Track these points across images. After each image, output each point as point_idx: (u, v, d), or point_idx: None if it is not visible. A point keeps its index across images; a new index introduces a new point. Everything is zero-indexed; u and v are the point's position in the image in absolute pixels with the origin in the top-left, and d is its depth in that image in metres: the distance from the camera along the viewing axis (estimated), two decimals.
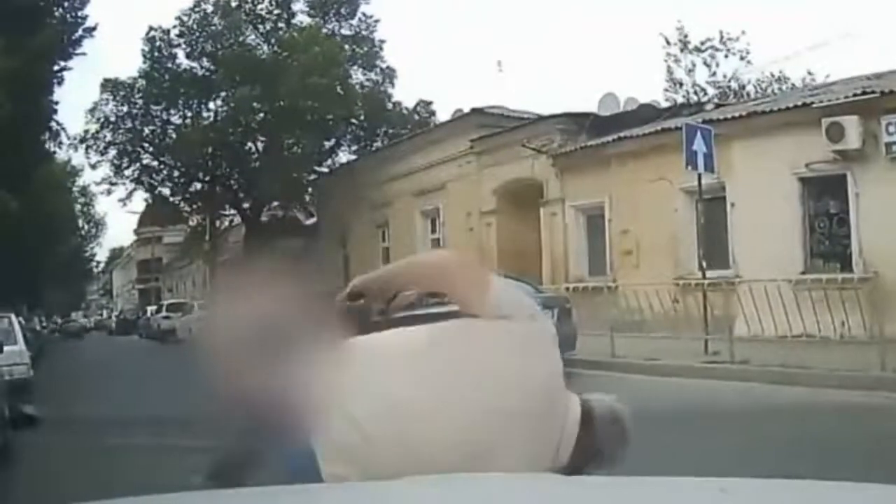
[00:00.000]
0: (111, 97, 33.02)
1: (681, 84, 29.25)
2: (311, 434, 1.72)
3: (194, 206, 37.28)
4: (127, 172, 34.71)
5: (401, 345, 1.81)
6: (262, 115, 31.44)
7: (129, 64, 75.60)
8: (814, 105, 14.23)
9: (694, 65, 29.00)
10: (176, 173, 35.12)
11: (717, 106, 20.95)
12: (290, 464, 1.77)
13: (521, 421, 1.72)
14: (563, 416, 1.81)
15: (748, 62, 28.45)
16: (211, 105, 33.29)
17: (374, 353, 1.80)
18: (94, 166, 35.03)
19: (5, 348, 9.57)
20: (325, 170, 33.63)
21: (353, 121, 32.93)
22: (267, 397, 1.70)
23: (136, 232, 58.69)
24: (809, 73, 27.12)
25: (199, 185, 35.46)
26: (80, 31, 22.13)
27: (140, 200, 38.26)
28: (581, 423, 1.83)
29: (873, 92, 13.58)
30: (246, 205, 34.66)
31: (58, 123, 25.30)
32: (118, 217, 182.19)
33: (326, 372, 1.75)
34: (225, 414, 1.83)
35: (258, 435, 1.84)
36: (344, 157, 34.14)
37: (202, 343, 1.87)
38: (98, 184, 37.03)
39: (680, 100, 26.91)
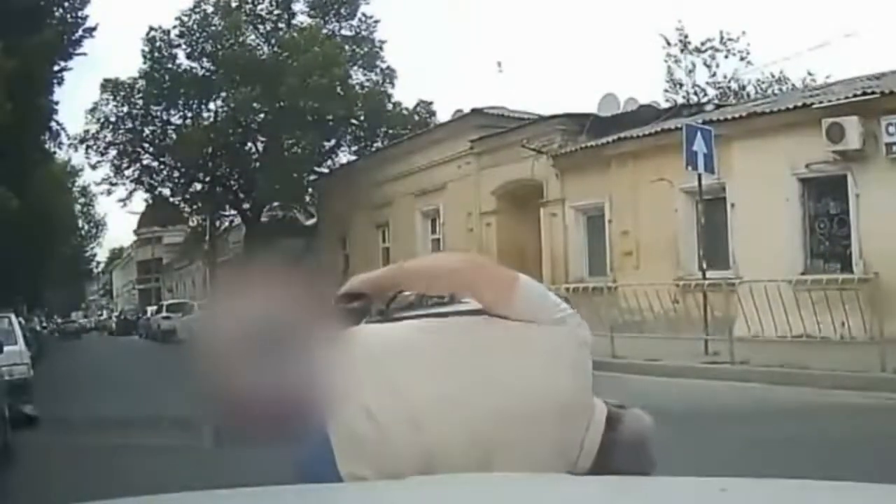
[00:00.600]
0: (111, 97, 33.04)
1: (681, 85, 29.21)
2: (326, 426, 1.71)
3: (194, 207, 37.29)
4: (127, 173, 34.82)
5: (413, 336, 1.78)
6: (262, 115, 31.45)
7: (129, 64, 75.82)
8: (814, 106, 14.22)
9: (694, 65, 28.95)
10: (176, 174, 35.14)
11: (718, 106, 20.95)
12: (304, 455, 1.76)
13: (537, 426, 1.69)
14: (584, 424, 1.76)
15: (748, 62, 28.40)
16: (211, 105, 33.33)
17: (386, 343, 1.78)
18: (94, 166, 35.13)
19: (5, 348, 9.57)
20: (325, 170, 33.64)
21: (353, 121, 32.93)
22: (270, 396, 1.69)
23: (136, 232, 58.71)
24: (810, 74, 27.06)
25: (199, 186, 35.47)
26: (80, 31, 22.17)
27: (140, 201, 38.33)
28: (605, 433, 1.78)
29: (873, 92, 13.58)
30: (246, 205, 34.67)
31: (58, 123, 25.38)
32: (118, 217, 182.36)
33: (335, 364, 1.74)
34: (224, 414, 1.83)
35: (263, 433, 1.84)
36: (344, 157, 34.21)
37: (202, 343, 1.87)
38: (98, 184, 37.15)
39: (680, 100, 26.85)
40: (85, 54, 22.81)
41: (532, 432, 1.68)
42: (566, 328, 1.79)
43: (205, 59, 32.54)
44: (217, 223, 37.73)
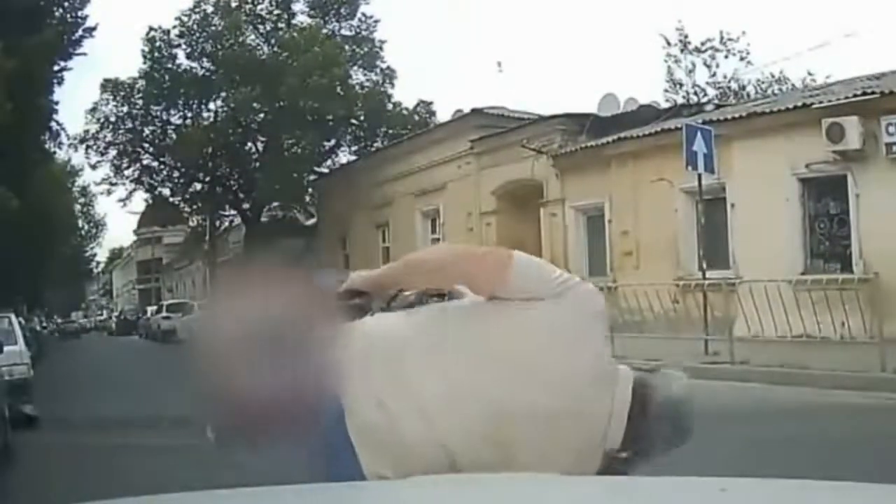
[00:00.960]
0: (111, 97, 33.08)
1: (681, 85, 29.21)
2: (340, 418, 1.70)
3: (194, 207, 37.31)
4: (127, 173, 34.88)
5: (416, 326, 1.75)
6: (262, 115, 31.47)
7: (129, 64, 75.88)
8: (814, 106, 14.23)
9: (694, 65, 28.95)
10: (176, 173, 35.17)
11: (718, 106, 20.95)
12: (323, 446, 1.75)
13: (552, 408, 1.64)
14: (607, 397, 1.70)
15: (748, 62, 28.40)
16: (211, 105, 33.38)
17: (390, 334, 1.75)
18: (94, 166, 35.19)
19: (5, 348, 9.55)
20: (325, 170, 33.65)
21: (353, 121, 32.95)
22: (270, 396, 1.68)
23: (136, 232, 58.73)
24: (809, 74, 27.04)
25: (199, 186, 35.51)
26: (80, 31, 22.18)
27: (140, 200, 38.41)
28: (635, 401, 1.71)
29: (873, 92, 13.58)
30: (246, 205, 34.68)
31: (58, 123, 25.37)
32: (118, 217, 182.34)
33: (341, 357, 1.73)
34: (224, 415, 1.82)
35: (263, 435, 1.83)
36: (344, 157, 34.24)
37: (202, 343, 1.86)
38: (98, 184, 37.23)
39: (680, 100, 26.85)
40: (85, 54, 22.87)
41: (547, 415, 1.64)
42: (569, 301, 1.72)
43: (205, 59, 32.56)
44: (217, 223, 37.75)
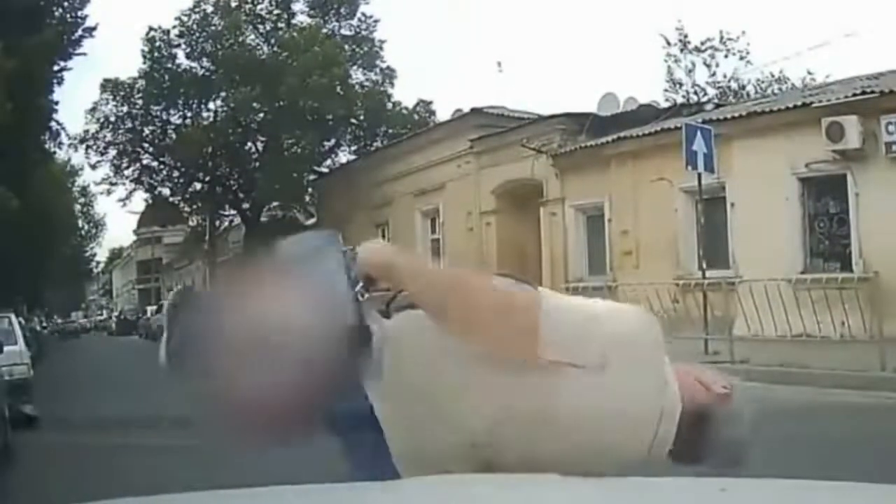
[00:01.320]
0: (111, 97, 33.05)
1: (681, 84, 29.15)
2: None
3: (194, 207, 37.30)
4: (127, 172, 34.85)
5: (420, 329, 1.67)
6: (262, 115, 31.45)
7: (129, 64, 75.82)
8: (814, 105, 14.23)
9: (694, 65, 28.90)
10: (176, 173, 35.15)
11: (717, 106, 20.94)
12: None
13: (592, 456, 1.59)
14: (653, 422, 1.61)
15: (748, 62, 28.36)
16: (211, 105, 33.36)
17: (395, 337, 1.70)
18: (94, 166, 35.14)
19: (5, 348, 9.56)
20: (325, 170, 33.65)
21: (353, 121, 32.93)
22: (269, 397, 1.67)
23: (136, 232, 58.73)
24: (809, 73, 27.00)
25: (199, 185, 35.49)
26: (80, 31, 22.16)
27: (140, 200, 38.35)
28: (692, 425, 1.63)
29: (873, 92, 13.58)
30: (246, 205, 34.67)
31: (58, 123, 25.34)
32: (118, 217, 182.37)
33: (351, 358, 1.71)
34: (224, 415, 1.81)
35: (263, 436, 1.82)
36: (344, 157, 34.23)
37: (202, 345, 1.85)
38: (98, 184, 37.17)
39: (680, 100, 26.81)
40: (85, 54, 22.85)
41: (588, 459, 1.59)
42: (614, 372, 1.55)
43: (205, 59, 32.54)
44: (217, 223, 37.74)
